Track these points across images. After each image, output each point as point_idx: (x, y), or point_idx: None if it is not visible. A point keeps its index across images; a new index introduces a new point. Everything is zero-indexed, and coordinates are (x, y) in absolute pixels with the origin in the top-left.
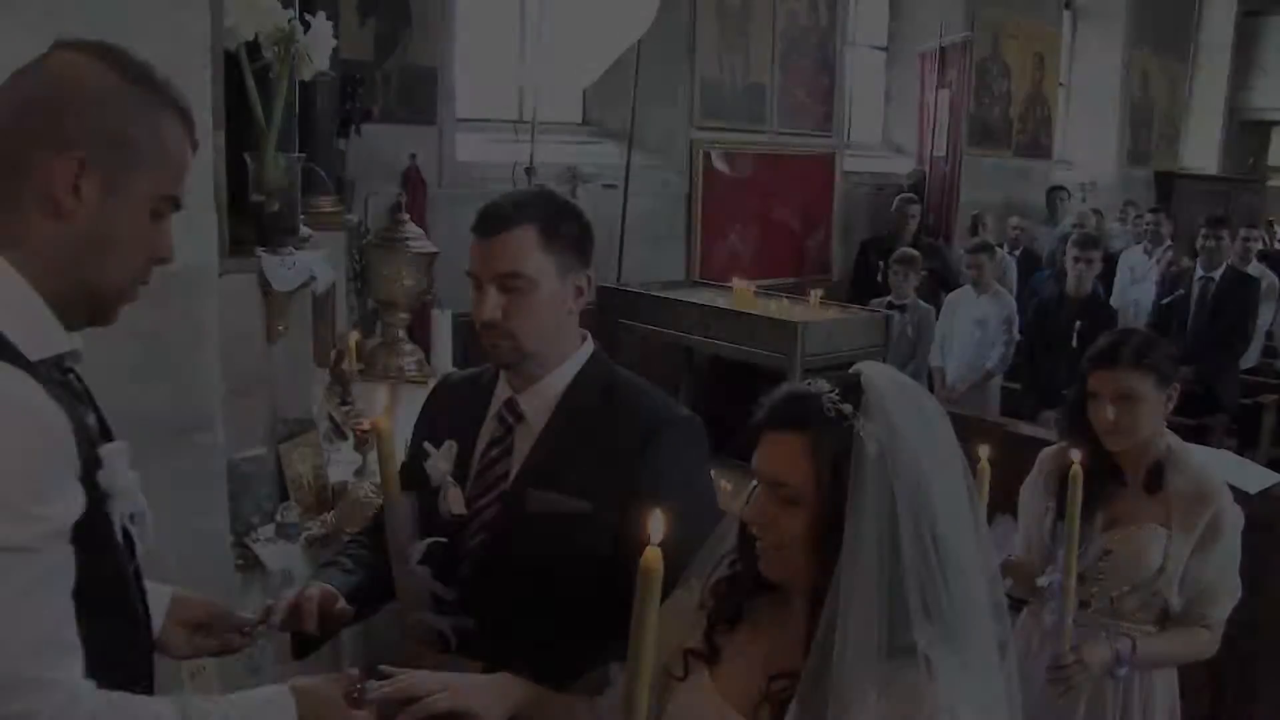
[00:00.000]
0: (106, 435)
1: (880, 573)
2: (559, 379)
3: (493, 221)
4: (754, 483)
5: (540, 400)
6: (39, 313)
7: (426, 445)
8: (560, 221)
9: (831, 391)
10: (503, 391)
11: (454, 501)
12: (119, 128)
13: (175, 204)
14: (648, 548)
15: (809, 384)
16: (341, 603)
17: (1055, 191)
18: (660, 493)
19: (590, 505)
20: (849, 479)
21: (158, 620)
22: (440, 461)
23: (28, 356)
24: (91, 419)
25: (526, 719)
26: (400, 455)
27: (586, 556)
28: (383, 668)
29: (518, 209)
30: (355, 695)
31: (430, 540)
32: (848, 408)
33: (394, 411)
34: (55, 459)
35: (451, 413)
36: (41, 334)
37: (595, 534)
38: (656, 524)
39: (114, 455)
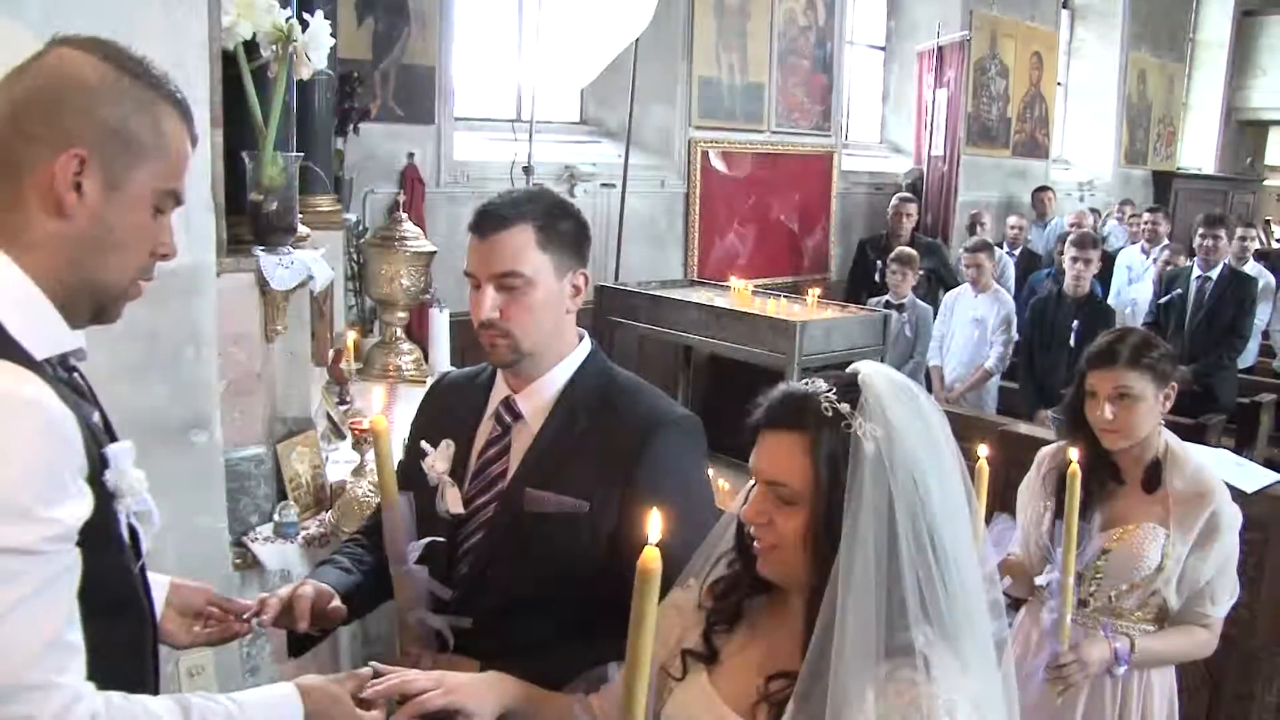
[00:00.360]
0: (109, 434)
1: (878, 572)
2: (557, 378)
3: (490, 221)
4: (751, 482)
5: (538, 399)
6: (44, 311)
7: (424, 445)
8: (557, 221)
9: (829, 391)
10: (500, 391)
11: (451, 501)
12: (119, 123)
13: (176, 199)
14: (646, 547)
15: (807, 383)
16: (336, 601)
17: (1041, 191)
18: (658, 492)
19: (588, 504)
20: (846, 478)
21: (158, 610)
22: (438, 461)
23: (34, 355)
24: (96, 417)
25: (520, 716)
26: (398, 454)
27: (584, 556)
28: (374, 664)
29: (515, 209)
30: (365, 694)
31: (428, 540)
32: (845, 407)
33: (391, 411)
34: (64, 461)
35: (449, 412)
36: (47, 332)
37: (593, 533)
38: (654, 523)
39: (120, 455)
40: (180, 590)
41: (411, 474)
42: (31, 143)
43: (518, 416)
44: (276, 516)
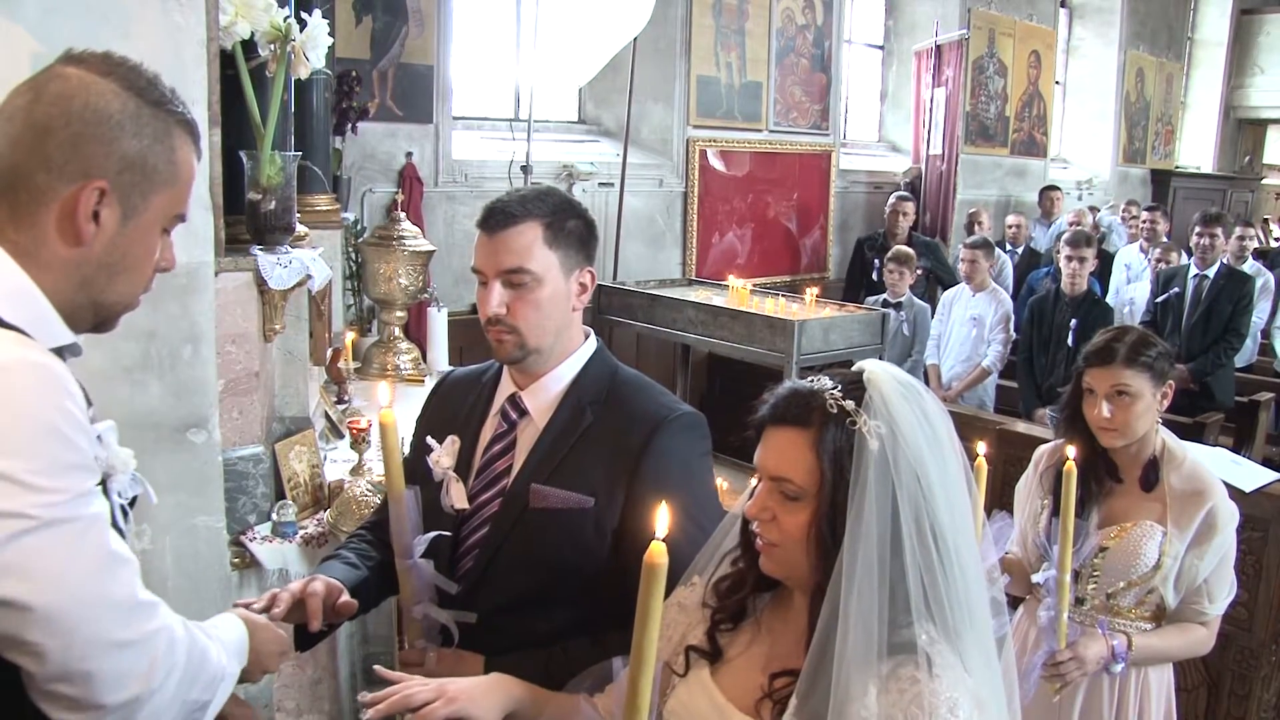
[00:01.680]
0: None
1: (881, 568)
2: (562, 375)
3: (499, 218)
4: (755, 479)
5: (544, 396)
6: (41, 306)
7: (429, 440)
8: (565, 219)
9: (834, 388)
10: (506, 388)
11: (456, 496)
12: (139, 155)
13: (182, 218)
14: (652, 542)
15: (812, 381)
16: (345, 596)
17: (1049, 191)
18: (663, 487)
19: (593, 500)
20: (851, 475)
21: None
22: (443, 456)
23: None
24: (91, 411)
25: (523, 717)
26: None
27: (589, 551)
28: (378, 669)
29: (524, 206)
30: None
31: (434, 534)
32: (850, 404)
33: (392, 409)
34: (81, 417)
35: (454, 409)
36: (44, 326)
37: (598, 529)
38: (661, 519)
39: (108, 433)
40: None
41: (415, 470)
42: (52, 171)
43: (523, 413)
44: (275, 516)
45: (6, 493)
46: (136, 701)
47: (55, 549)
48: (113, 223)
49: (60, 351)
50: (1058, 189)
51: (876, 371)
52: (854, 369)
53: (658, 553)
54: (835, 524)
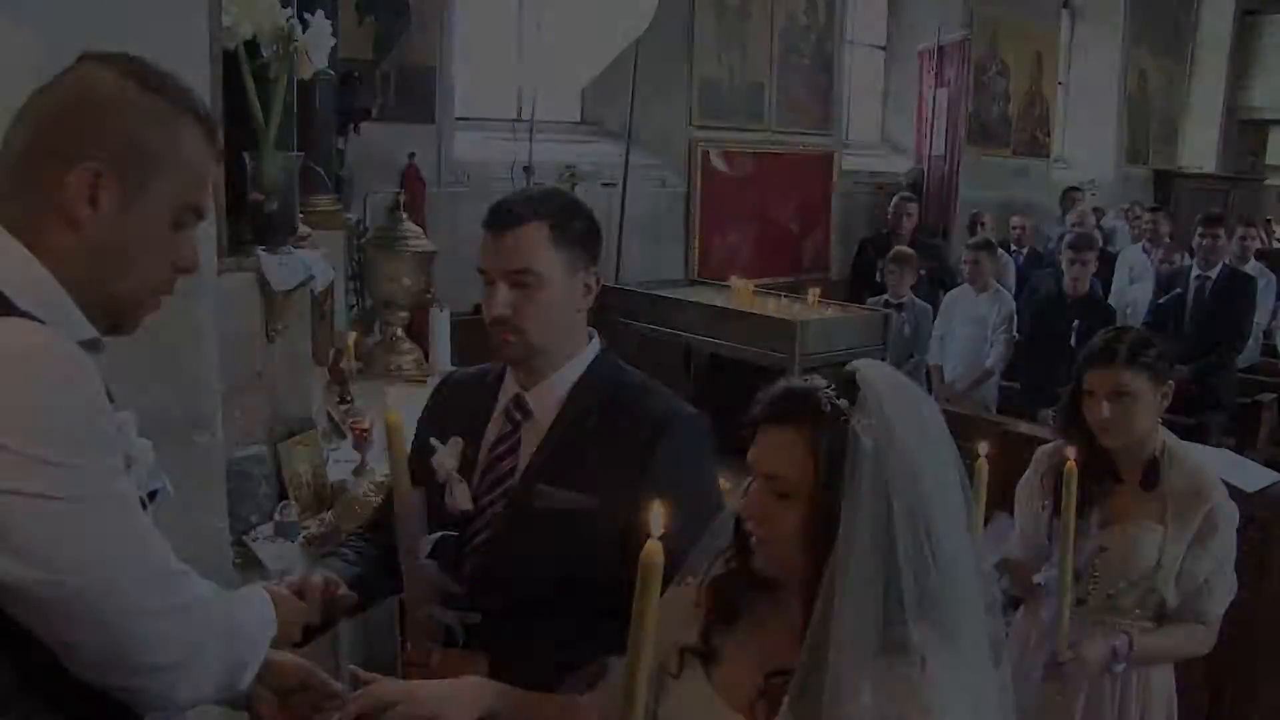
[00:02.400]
0: None
1: (875, 568)
2: (567, 376)
3: (504, 218)
4: (749, 477)
5: (548, 397)
6: (62, 300)
7: (433, 441)
8: (571, 219)
9: (828, 386)
10: (510, 388)
11: (460, 497)
12: (136, 137)
13: (198, 213)
14: (648, 540)
15: (806, 380)
16: (344, 589)
17: (1071, 191)
18: (667, 489)
19: (597, 502)
20: (844, 473)
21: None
22: (446, 458)
23: None
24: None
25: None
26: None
27: (593, 552)
28: (352, 668)
29: (529, 206)
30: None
31: (440, 534)
32: (844, 403)
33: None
34: (104, 403)
35: (457, 410)
36: (65, 320)
37: (602, 530)
38: (656, 517)
39: (127, 423)
40: (273, 666)
41: (418, 471)
42: (50, 156)
43: (528, 414)
44: (277, 516)
45: (37, 474)
46: (182, 665)
47: (93, 525)
48: (111, 206)
49: (83, 346)
50: (1079, 190)
51: (870, 371)
52: (847, 368)
53: (654, 552)
54: (829, 521)
